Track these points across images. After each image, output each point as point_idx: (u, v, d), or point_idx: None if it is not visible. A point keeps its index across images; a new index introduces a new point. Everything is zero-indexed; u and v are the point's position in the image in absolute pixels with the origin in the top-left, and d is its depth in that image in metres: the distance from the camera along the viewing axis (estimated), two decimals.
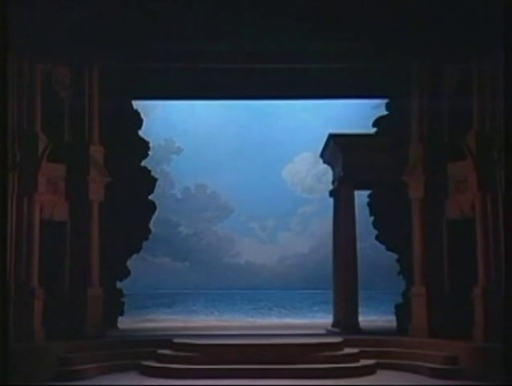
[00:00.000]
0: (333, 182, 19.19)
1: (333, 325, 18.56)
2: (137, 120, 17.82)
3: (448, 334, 14.96)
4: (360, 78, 16.81)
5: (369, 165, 17.04)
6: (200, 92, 17.49)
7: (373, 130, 17.97)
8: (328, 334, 17.48)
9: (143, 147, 17.83)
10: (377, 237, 17.65)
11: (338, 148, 17.67)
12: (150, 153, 18.00)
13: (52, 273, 15.48)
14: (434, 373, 13.97)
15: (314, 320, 36.78)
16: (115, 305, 17.25)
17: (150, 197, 17.93)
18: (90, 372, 14.04)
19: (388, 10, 14.90)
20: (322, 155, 19.28)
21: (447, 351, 14.42)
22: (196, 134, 67.03)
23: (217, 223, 76.18)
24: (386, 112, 17.83)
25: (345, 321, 17.40)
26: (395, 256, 17.39)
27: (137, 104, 17.95)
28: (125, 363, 14.67)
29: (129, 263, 17.65)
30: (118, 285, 17.59)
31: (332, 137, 17.87)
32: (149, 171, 17.94)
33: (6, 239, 8.74)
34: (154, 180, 18.01)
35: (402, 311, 16.75)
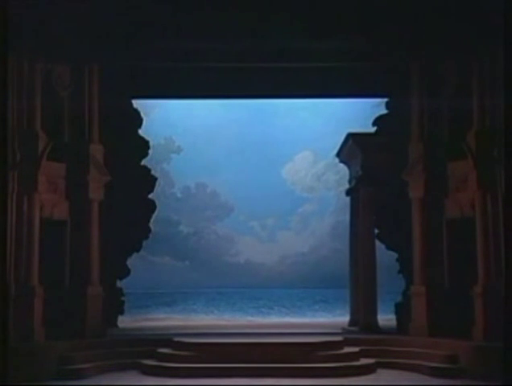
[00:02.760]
0: (350, 181, 19.31)
1: (350, 324, 18.57)
2: (137, 119, 17.80)
3: (448, 332, 14.97)
4: (360, 77, 16.83)
5: (387, 164, 17.03)
6: (199, 92, 17.52)
7: (373, 129, 17.96)
8: (330, 333, 17.45)
9: (143, 146, 17.81)
10: (377, 236, 17.65)
11: (357, 147, 17.74)
12: (150, 152, 17.97)
13: (52, 271, 15.48)
14: (434, 372, 13.98)
15: (314, 319, 36.83)
16: (115, 304, 17.24)
17: (150, 196, 17.93)
18: (90, 371, 14.05)
19: (388, 10, 14.90)
20: (338, 154, 19.49)
21: (447, 350, 14.43)
22: (195, 133, 67.06)
23: (217, 222, 76.24)
24: (385, 111, 17.82)
25: (364, 320, 17.42)
26: (395, 255, 17.38)
27: (137, 103, 17.94)
28: (125, 361, 14.69)
29: (129, 262, 17.65)
30: (118, 283, 17.59)
31: (351, 137, 18.00)
32: (149, 170, 17.93)
33: (6, 238, 8.73)
34: (154, 179, 18.00)
35: (402, 310, 16.74)
